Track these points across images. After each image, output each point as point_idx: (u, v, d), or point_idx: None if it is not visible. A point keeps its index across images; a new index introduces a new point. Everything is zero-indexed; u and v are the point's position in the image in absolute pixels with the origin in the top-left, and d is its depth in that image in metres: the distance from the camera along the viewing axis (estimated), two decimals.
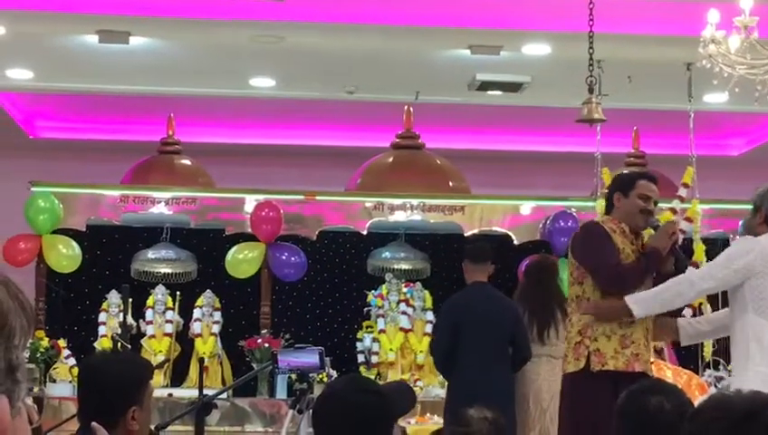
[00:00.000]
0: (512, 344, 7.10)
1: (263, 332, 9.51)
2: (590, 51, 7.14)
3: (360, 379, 3.78)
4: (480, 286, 7.07)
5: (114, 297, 9.46)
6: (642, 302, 5.36)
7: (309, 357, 4.50)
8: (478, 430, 3.61)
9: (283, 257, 9.64)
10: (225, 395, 8.77)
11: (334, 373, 8.84)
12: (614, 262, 5.41)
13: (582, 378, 5.46)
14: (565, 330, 7.14)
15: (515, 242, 9.98)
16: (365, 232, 9.94)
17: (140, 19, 8.04)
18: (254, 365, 8.96)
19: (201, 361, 6.57)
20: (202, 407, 4.58)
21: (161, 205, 9.80)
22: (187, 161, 10.33)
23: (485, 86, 9.12)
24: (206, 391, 5.20)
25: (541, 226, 9.99)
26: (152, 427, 3.84)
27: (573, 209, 9.91)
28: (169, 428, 4.69)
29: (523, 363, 7.21)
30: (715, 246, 10.04)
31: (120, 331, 8.34)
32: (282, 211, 9.68)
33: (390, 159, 10.24)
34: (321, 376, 8.47)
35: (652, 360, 8.66)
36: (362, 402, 3.00)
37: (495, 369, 6.94)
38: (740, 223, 10.09)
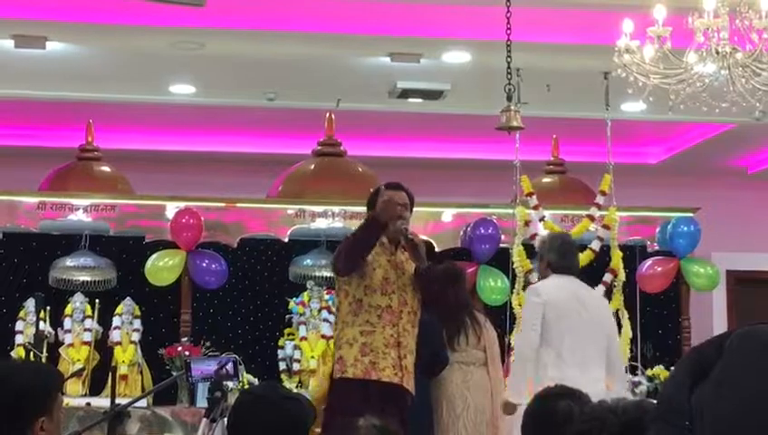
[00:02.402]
0: (427, 350, 7.13)
1: (183, 340, 9.44)
2: (508, 59, 7.20)
3: (277, 386, 3.76)
4: None
5: (31, 305, 9.33)
6: (513, 389, 6.37)
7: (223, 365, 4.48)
8: None
9: (204, 265, 9.59)
10: (145, 404, 8.71)
11: (256, 381, 8.83)
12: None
13: (335, 383, 5.60)
14: (474, 337, 7.28)
15: (436, 249, 10.00)
16: (286, 239, 9.93)
17: (58, 24, 7.95)
18: (174, 373, 8.89)
19: (113, 369, 6.51)
20: (114, 416, 4.53)
21: (80, 212, 9.70)
22: (106, 168, 10.22)
23: (406, 93, 9.16)
24: (124, 401, 5.16)
25: (461, 233, 10.05)
26: None
27: (494, 217, 9.99)
28: None
29: (439, 370, 7.25)
30: (633, 253, 10.22)
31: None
32: (202, 218, 9.63)
33: (312, 167, 10.24)
34: (242, 383, 8.46)
35: None
36: (281, 409, 2.99)
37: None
38: (657, 230, 10.25)
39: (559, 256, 6.66)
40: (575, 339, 6.38)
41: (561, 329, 6.37)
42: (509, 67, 7.24)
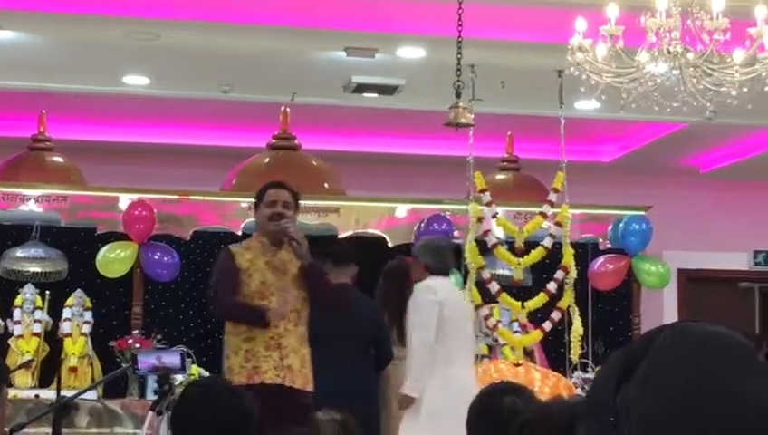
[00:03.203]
0: (374, 346, 7.18)
1: (134, 332, 9.39)
2: (459, 56, 7.21)
3: (223, 379, 3.76)
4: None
5: None
6: (411, 383, 6.59)
7: (170, 358, 4.46)
8: (325, 432, 3.61)
9: (156, 257, 9.55)
10: (95, 396, 8.65)
11: (207, 374, 8.80)
12: (215, 289, 5.97)
13: None
14: None
15: (390, 244, 10.03)
16: (240, 232, 9.88)
17: (10, 13, 7.87)
18: (125, 366, 8.85)
19: (59, 362, 6.47)
20: (60, 408, 4.50)
21: (31, 202, 9.62)
22: (58, 158, 10.15)
23: (361, 88, 9.15)
24: (72, 393, 5.12)
25: (415, 228, 10.06)
26: (7, 429, 3.76)
27: (448, 212, 10.01)
28: (33, 430, 4.60)
29: (385, 364, 7.30)
30: (585, 251, 10.28)
31: None
32: (155, 210, 9.58)
33: (266, 160, 10.21)
34: (192, 376, 8.42)
35: (520, 362, 8.88)
36: (225, 403, 2.98)
37: (357, 370, 7.03)
38: (609, 228, 10.31)
39: (435, 258, 6.97)
40: (459, 337, 6.73)
41: (451, 327, 6.66)
42: (459, 64, 7.26)
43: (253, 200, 6.35)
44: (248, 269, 5.88)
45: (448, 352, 6.68)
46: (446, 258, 7.11)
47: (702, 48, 6.32)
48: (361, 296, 7.24)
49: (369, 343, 7.16)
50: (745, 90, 6.43)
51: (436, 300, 6.63)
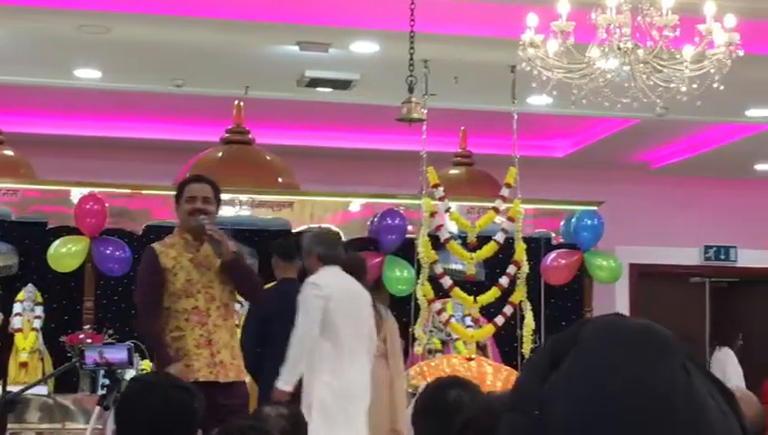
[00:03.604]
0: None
1: (86, 327, 9.33)
2: (411, 51, 7.23)
3: (168, 374, 3.74)
4: (290, 283, 7.14)
5: None
6: (286, 377, 6.40)
7: (117, 353, 4.44)
8: (273, 427, 3.60)
9: (108, 252, 9.48)
10: (46, 392, 8.59)
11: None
12: (141, 299, 5.94)
13: None
14: (376, 328, 7.45)
15: (344, 238, 10.01)
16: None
17: None
18: (74, 361, 8.79)
19: (5, 357, 6.42)
20: (6, 404, 4.46)
21: None
22: (8, 152, 10.05)
23: (315, 83, 9.14)
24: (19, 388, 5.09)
25: (369, 223, 10.07)
26: None
27: (402, 207, 10.02)
28: None
29: None
30: (538, 246, 10.33)
31: None
32: (107, 205, 9.52)
33: (220, 154, 10.16)
34: (144, 371, 8.38)
35: (473, 356, 8.92)
36: (169, 398, 2.97)
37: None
38: (561, 223, 10.37)
39: (327, 247, 6.90)
40: (351, 331, 6.62)
41: (340, 322, 6.58)
42: (412, 59, 7.27)
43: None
44: (173, 268, 5.87)
45: (337, 345, 6.60)
46: (337, 248, 7.06)
47: (652, 44, 6.36)
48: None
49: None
50: (695, 86, 6.48)
51: (322, 295, 6.51)
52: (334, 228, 7.51)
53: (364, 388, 6.66)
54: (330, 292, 6.51)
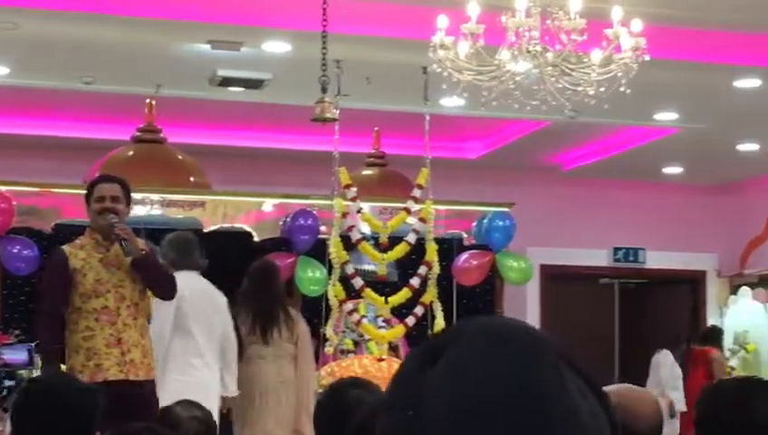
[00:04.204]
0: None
1: None
2: (324, 51, 7.22)
3: (65, 374, 3.68)
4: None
5: None
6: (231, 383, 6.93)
7: (17, 354, 4.37)
8: (188, 430, 3.58)
9: (15, 251, 9.32)
10: None
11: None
12: (46, 308, 5.98)
13: None
14: (287, 330, 7.59)
15: (256, 239, 9.99)
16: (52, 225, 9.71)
17: None
18: None
19: None
20: None
21: None
22: None
23: (227, 82, 9.08)
24: None
25: (282, 223, 10.04)
26: None
27: (315, 208, 10.00)
28: None
29: (238, 356, 7.37)
30: (450, 247, 10.38)
31: None
32: (15, 203, 9.36)
33: (131, 153, 10.06)
34: None
35: (384, 357, 8.94)
36: (65, 398, 2.93)
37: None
38: (473, 224, 10.43)
39: (179, 253, 7.10)
40: (203, 332, 6.78)
41: (191, 323, 6.76)
42: (324, 59, 7.27)
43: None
44: (82, 268, 5.90)
45: (188, 346, 6.81)
46: (191, 253, 7.17)
47: (561, 48, 6.43)
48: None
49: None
50: (603, 89, 6.57)
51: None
52: (191, 235, 7.49)
53: (215, 388, 6.86)
54: (181, 295, 6.51)
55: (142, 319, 6.04)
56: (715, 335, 12.08)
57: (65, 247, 6.02)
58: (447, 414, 1.08)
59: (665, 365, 11.48)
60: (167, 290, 6.20)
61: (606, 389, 3.36)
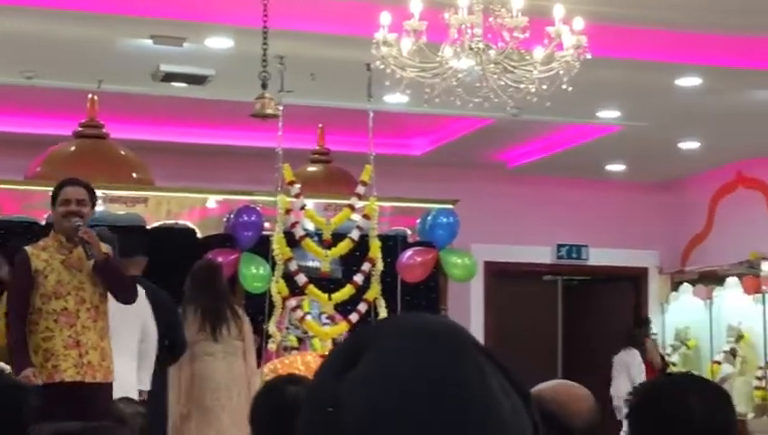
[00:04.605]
0: (167, 337, 7.21)
1: None
2: (265, 46, 7.19)
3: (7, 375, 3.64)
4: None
5: None
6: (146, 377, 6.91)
7: None
8: (133, 426, 3.56)
9: None
10: None
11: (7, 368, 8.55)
12: (11, 310, 6.00)
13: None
14: (235, 328, 7.62)
15: (199, 235, 9.95)
16: (44, 222, 9.64)
17: None
18: None
19: None
20: None
21: None
22: None
23: (170, 77, 9.02)
24: None
25: (225, 219, 10.00)
26: None
27: (258, 204, 9.97)
28: None
29: (180, 353, 7.37)
30: (394, 244, 10.40)
31: None
32: None
33: (72, 148, 9.97)
34: None
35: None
36: (3, 396, 2.90)
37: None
38: (417, 221, 10.45)
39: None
40: (123, 328, 6.66)
41: (113, 320, 6.66)
42: (265, 55, 7.24)
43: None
44: (44, 270, 5.95)
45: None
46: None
47: (503, 45, 6.45)
48: (153, 288, 7.26)
49: (161, 335, 7.19)
50: (545, 87, 6.59)
51: None
52: (108, 232, 7.45)
53: (130, 381, 6.79)
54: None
55: (102, 322, 6.08)
56: (643, 325, 12.43)
57: (28, 248, 6.08)
58: (368, 412, 1.08)
59: (634, 365, 11.63)
60: (128, 295, 6.22)
61: (542, 385, 3.38)
